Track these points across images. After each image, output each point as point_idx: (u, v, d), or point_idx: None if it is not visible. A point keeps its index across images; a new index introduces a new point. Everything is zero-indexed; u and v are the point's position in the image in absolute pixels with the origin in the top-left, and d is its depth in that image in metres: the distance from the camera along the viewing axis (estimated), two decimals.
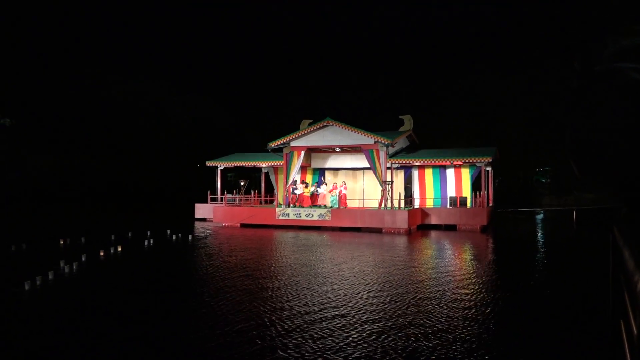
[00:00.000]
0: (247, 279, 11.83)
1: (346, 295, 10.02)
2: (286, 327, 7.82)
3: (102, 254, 15.69)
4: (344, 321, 8.10)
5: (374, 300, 9.55)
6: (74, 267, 13.19)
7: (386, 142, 24.83)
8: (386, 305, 9.16)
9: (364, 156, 26.09)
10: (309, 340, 7.13)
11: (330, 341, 7.11)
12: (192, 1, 61.83)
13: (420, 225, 25.43)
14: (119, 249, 16.70)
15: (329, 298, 9.75)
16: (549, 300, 10.13)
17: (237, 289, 10.61)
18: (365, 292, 10.27)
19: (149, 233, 20.98)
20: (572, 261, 15.70)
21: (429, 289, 10.74)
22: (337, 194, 26.93)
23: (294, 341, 7.11)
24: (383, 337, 7.30)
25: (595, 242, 19.53)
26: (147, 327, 7.97)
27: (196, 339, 7.31)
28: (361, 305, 9.15)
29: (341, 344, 6.99)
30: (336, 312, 8.67)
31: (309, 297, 9.86)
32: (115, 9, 56.44)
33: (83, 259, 14.53)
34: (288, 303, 9.37)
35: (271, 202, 31.79)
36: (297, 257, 15.35)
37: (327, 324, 7.97)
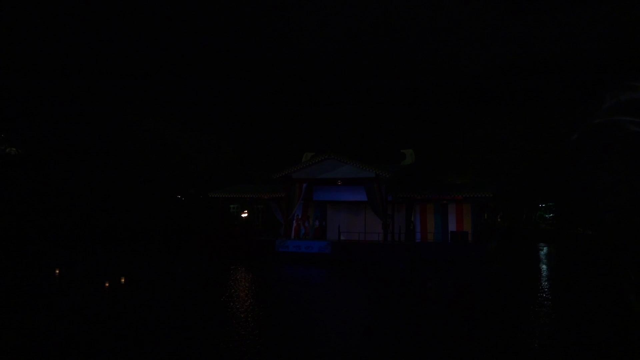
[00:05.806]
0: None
1: None
2: None
3: (107, 285, 16.12)
4: None
5: None
6: (84, 296, 13.56)
7: (387, 175, 24.99)
8: None
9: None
10: None
11: None
12: (201, 39, 63.38)
13: (420, 258, 25.26)
14: (122, 280, 17.15)
15: None
16: (559, 342, 9.98)
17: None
18: None
19: (147, 264, 21.38)
20: (582, 303, 15.38)
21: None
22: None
23: None
24: None
25: (600, 279, 19.31)
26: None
27: None
28: None
29: None
30: None
31: None
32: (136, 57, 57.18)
33: (93, 288, 14.99)
34: None
35: (272, 233, 31.77)
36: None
37: None
